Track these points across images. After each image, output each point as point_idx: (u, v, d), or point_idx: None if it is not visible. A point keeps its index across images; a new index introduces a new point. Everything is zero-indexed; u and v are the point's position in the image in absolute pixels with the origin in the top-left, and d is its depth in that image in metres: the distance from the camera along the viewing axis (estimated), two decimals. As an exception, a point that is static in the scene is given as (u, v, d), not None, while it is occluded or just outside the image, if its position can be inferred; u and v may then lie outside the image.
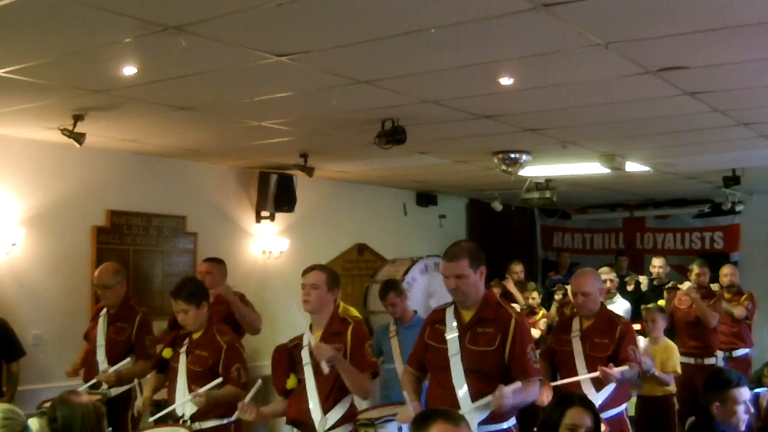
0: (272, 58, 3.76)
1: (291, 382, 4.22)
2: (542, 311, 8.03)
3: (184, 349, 4.62)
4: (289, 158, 6.91)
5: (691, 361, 7.19)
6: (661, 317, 6.38)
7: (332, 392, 4.08)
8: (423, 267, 8.38)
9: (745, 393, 3.86)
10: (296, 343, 4.30)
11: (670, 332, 7.64)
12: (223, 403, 4.49)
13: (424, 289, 8.13)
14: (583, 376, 4.65)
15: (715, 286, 7.56)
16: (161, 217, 6.97)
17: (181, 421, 4.46)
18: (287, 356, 4.29)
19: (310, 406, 4.07)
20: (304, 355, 4.18)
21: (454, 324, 3.84)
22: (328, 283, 4.19)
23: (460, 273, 3.76)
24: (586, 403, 3.22)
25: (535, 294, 8.15)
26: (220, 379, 4.43)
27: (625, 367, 4.58)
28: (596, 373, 4.54)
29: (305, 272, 4.24)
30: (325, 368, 3.93)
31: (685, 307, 7.35)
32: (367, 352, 4.16)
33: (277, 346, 4.43)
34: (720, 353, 7.40)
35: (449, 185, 9.52)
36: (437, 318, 3.98)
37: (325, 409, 4.05)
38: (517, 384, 3.58)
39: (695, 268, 7.57)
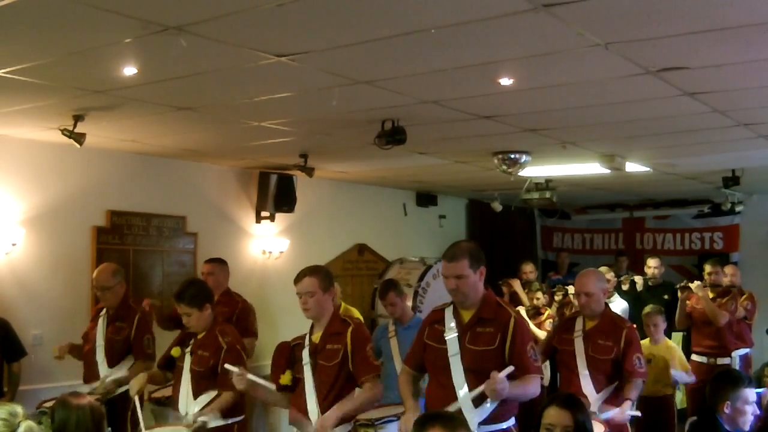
0: (272, 58, 3.76)
1: (285, 379, 4.22)
2: (548, 311, 8.02)
3: (188, 349, 4.63)
4: (289, 158, 6.91)
5: (704, 360, 7.19)
6: (661, 319, 6.38)
7: (331, 393, 4.08)
8: (436, 271, 8.30)
9: (753, 393, 3.87)
10: (298, 342, 4.31)
11: (688, 331, 7.68)
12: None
13: (438, 294, 8.06)
14: (602, 415, 4.61)
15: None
16: (161, 217, 6.97)
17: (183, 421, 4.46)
18: (287, 353, 4.30)
19: (308, 406, 4.08)
20: (305, 354, 4.18)
21: (453, 324, 3.85)
22: (322, 286, 4.18)
23: (460, 273, 3.76)
24: (567, 403, 3.17)
25: (539, 294, 8.14)
26: (217, 415, 4.40)
27: (636, 413, 4.64)
28: (615, 411, 4.56)
29: (296, 280, 4.22)
30: None
31: (701, 306, 7.35)
32: (369, 354, 4.16)
33: (279, 344, 4.44)
34: (736, 354, 7.39)
35: (449, 185, 9.52)
36: (436, 318, 3.98)
37: (323, 409, 4.05)
38: (510, 367, 3.57)
39: (708, 267, 7.59)
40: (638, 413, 4.66)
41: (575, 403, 3.19)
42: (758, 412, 3.92)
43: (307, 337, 4.27)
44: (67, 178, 6.27)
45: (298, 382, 4.21)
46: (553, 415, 3.10)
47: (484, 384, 3.56)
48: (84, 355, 5.54)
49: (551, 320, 7.83)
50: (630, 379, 4.66)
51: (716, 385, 3.96)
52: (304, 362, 4.17)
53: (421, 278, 8.19)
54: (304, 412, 4.10)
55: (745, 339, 7.63)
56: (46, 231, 6.12)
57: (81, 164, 6.31)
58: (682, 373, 6.14)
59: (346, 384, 4.11)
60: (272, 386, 4.24)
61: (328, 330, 4.19)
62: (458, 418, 2.80)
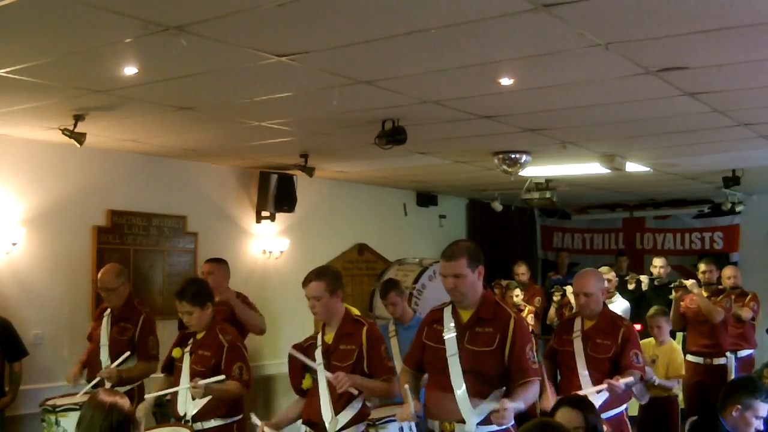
0: (272, 58, 3.77)
1: (306, 382, 4.22)
2: (527, 308, 8.10)
3: (188, 349, 4.62)
4: (289, 158, 6.91)
5: (701, 360, 7.17)
6: (665, 321, 6.35)
7: (344, 393, 4.07)
8: (432, 273, 8.32)
9: (765, 409, 3.83)
10: (310, 343, 4.32)
11: (683, 331, 7.66)
12: (224, 403, 4.48)
13: (434, 296, 8.04)
14: (589, 390, 4.59)
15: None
16: (161, 217, 6.98)
17: (183, 421, 4.46)
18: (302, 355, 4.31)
19: (322, 406, 4.09)
20: (317, 355, 4.19)
21: (452, 324, 3.83)
22: (330, 289, 4.18)
23: (458, 272, 3.75)
24: (577, 404, 3.21)
25: (517, 291, 8.21)
26: (222, 377, 4.38)
27: (629, 378, 4.57)
28: (603, 386, 4.53)
29: (304, 284, 4.22)
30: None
31: (695, 306, 7.33)
32: (383, 355, 4.18)
33: (292, 346, 4.43)
34: (731, 354, 7.38)
35: (449, 185, 9.52)
36: (435, 318, 3.97)
37: (336, 409, 4.07)
38: (520, 404, 3.56)
39: (702, 266, 7.57)
40: (630, 379, 4.62)
41: (586, 404, 3.26)
42: (762, 428, 3.88)
43: (319, 337, 4.28)
44: (67, 178, 6.27)
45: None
46: (562, 416, 3.14)
47: (492, 415, 3.54)
48: (87, 354, 5.54)
49: (532, 315, 7.93)
50: (626, 371, 4.65)
51: (733, 387, 3.93)
52: (317, 363, 4.18)
53: (416, 280, 8.16)
54: (317, 412, 4.11)
55: (748, 340, 7.62)
56: (46, 231, 6.12)
57: (81, 164, 6.31)
58: (648, 369, 6.03)
59: None
60: (290, 414, 4.36)
61: (340, 330, 4.20)
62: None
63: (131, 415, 3.22)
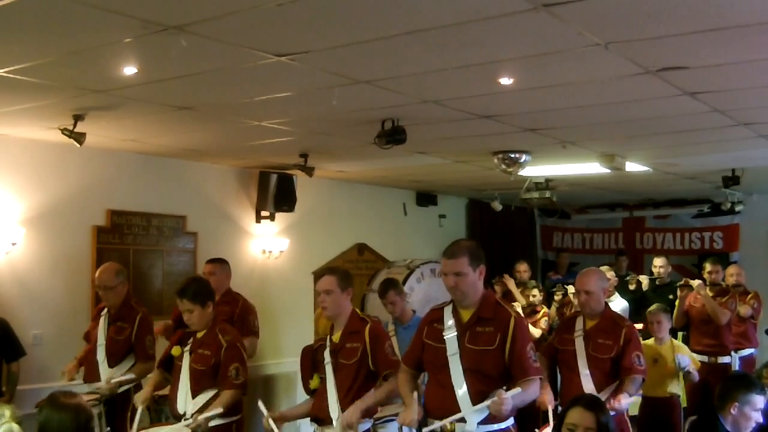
0: (272, 58, 3.77)
1: (314, 383, 4.37)
2: (543, 309, 8.02)
3: (187, 348, 4.64)
4: (289, 158, 6.91)
5: (705, 359, 7.17)
6: (665, 318, 6.35)
7: (351, 391, 4.18)
8: (420, 275, 8.30)
9: (762, 401, 3.86)
10: (321, 344, 4.45)
11: (685, 329, 7.66)
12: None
13: (423, 298, 8.03)
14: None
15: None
16: (161, 216, 6.97)
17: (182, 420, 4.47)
18: (310, 357, 4.44)
19: (330, 403, 4.18)
20: (326, 354, 4.31)
21: (452, 323, 3.85)
22: (341, 285, 4.31)
23: (459, 271, 3.76)
24: (591, 404, 3.24)
25: (535, 291, 8.13)
26: (217, 411, 4.34)
27: (631, 399, 4.60)
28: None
29: (316, 279, 4.32)
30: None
31: (699, 305, 7.32)
32: (387, 351, 4.28)
33: (303, 348, 4.54)
34: (735, 353, 7.38)
35: (449, 185, 9.52)
36: (435, 317, 3.98)
37: (344, 406, 4.15)
38: (517, 389, 3.60)
39: (708, 266, 7.56)
40: (633, 399, 4.64)
41: (599, 406, 3.30)
42: (761, 420, 3.90)
43: (328, 337, 4.38)
44: (67, 178, 6.27)
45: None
46: (576, 415, 3.18)
47: (490, 401, 3.56)
48: (85, 354, 5.54)
49: (546, 318, 7.84)
50: (628, 375, 4.66)
51: (728, 385, 3.94)
52: (325, 362, 4.30)
53: (404, 282, 8.13)
54: (326, 410, 4.20)
55: (750, 339, 7.61)
56: (46, 231, 6.11)
57: (81, 164, 6.31)
58: (686, 357, 6.09)
59: (366, 382, 4.22)
60: (299, 410, 4.52)
61: (347, 329, 4.31)
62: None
63: (92, 414, 3.35)
